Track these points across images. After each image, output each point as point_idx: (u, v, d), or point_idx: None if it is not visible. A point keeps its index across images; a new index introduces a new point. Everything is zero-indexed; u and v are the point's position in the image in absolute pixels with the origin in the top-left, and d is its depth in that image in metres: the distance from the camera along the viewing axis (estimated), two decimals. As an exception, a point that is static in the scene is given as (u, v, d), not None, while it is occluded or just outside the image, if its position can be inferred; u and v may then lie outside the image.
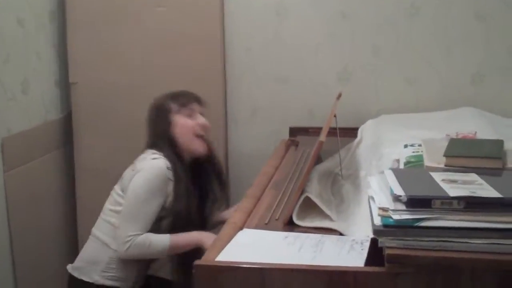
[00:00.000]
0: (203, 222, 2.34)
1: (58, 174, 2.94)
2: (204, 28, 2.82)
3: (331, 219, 1.71)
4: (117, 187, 2.27)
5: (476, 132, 2.02)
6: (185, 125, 2.29)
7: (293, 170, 2.16)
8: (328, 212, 1.72)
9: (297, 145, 2.57)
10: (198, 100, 2.36)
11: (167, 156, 2.23)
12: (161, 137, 2.29)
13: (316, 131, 2.47)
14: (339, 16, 2.78)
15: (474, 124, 2.18)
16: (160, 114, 2.32)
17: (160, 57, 2.85)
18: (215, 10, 2.82)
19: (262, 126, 2.91)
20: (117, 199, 2.25)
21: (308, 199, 1.74)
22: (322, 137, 1.70)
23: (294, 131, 2.76)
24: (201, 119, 2.33)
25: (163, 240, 2.17)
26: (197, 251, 2.13)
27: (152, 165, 2.19)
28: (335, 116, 2.03)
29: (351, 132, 2.45)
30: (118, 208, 2.22)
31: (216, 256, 1.50)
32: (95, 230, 2.30)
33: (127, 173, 2.25)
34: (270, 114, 2.90)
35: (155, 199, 2.17)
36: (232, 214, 1.86)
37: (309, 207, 1.74)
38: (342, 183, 2.00)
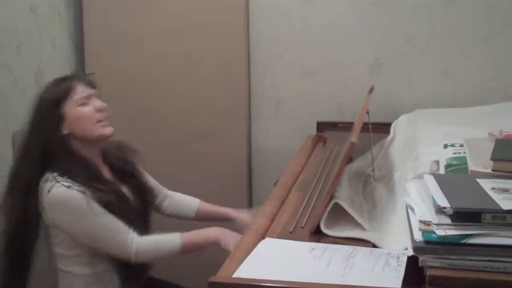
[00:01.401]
0: (144, 213, 2.16)
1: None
2: (228, 16, 2.72)
3: (363, 228, 1.55)
4: (45, 221, 1.97)
5: (522, 131, 1.84)
6: (83, 116, 1.96)
7: (321, 170, 2.03)
8: (360, 220, 1.56)
9: (325, 142, 2.46)
10: (89, 84, 2.03)
11: (61, 165, 1.92)
12: (51, 143, 1.94)
13: (346, 126, 2.42)
14: (370, 4, 2.64)
15: (518, 121, 1.99)
16: (46, 116, 1.96)
17: (180, 48, 2.76)
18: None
19: (288, 121, 2.81)
20: (53, 231, 2.00)
21: (337, 204, 1.58)
22: (354, 137, 1.53)
23: (322, 126, 2.64)
24: (98, 102, 2.00)
25: (173, 240, 2.02)
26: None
27: (54, 201, 1.89)
28: (367, 112, 1.87)
29: (383, 128, 2.31)
30: (58, 239, 1.99)
31: (235, 269, 1.35)
32: (56, 263, 2.07)
33: (41, 211, 1.94)
34: (296, 107, 2.79)
35: (92, 212, 1.90)
36: (254, 219, 1.72)
37: (339, 213, 1.59)
38: (375, 186, 1.85)
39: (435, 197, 1.27)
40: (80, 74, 2.02)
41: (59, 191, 1.88)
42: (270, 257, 1.41)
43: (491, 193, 1.29)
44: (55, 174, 1.90)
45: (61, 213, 1.91)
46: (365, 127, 1.92)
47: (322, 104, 2.74)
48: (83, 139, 1.98)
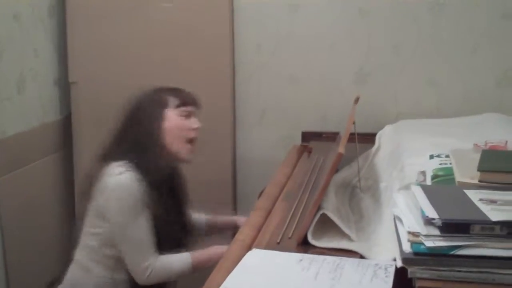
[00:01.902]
0: (185, 228, 2.20)
1: (56, 180, 2.82)
2: (212, 25, 2.71)
3: (350, 239, 1.55)
4: (91, 208, 2.05)
5: (507, 142, 1.85)
6: (180, 126, 2.07)
7: (307, 180, 2.03)
8: (347, 231, 1.56)
9: (310, 152, 2.45)
10: (197, 103, 2.15)
11: (139, 164, 1.99)
12: (144, 135, 2.04)
13: (330, 136, 2.45)
14: (356, 13, 2.63)
15: (503, 132, 2.01)
16: (152, 107, 2.07)
17: (165, 56, 2.75)
18: (224, 6, 2.70)
19: (273, 130, 2.79)
20: (92, 220, 2.04)
21: (325, 214, 1.57)
22: (341, 148, 1.53)
23: (307, 136, 2.64)
24: (197, 123, 2.11)
25: (184, 260, 2.02)
26: None
27: (119, 184, 1.94)
28: (353, 123, 1.87)
29: (368, 138, 2.30)
30: (96, 230, 2.02)
31: (222, 281, 1.34)
32: (76, 254, 2.10)
33: (97, 194, 2.02)
34: (281, 117, 2.78)
35: (141, 216, 1.96)
36: (240, 229, 1.72)
37: (326, 224, 1.58)
38: (361, 196, 1.85)
39: (423, 208, 1.27)
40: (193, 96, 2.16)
41: (128, 178, 1.94)
42: (257, 268, 1.41)
43: (479, 204, 1.29)
44: (132, 165, 1.97)
45: (117, 198, 1.94)
46: (351, 137, 1.91)
47: (307, 114, 2.72)
48: (168, 149, 2.05)
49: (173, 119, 2.06)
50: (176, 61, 2.73)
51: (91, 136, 2.80)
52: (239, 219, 2.28)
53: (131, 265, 1.98)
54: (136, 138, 2.03)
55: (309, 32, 2.68)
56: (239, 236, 1.66)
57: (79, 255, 2.08)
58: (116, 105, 2.72)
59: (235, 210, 2.82)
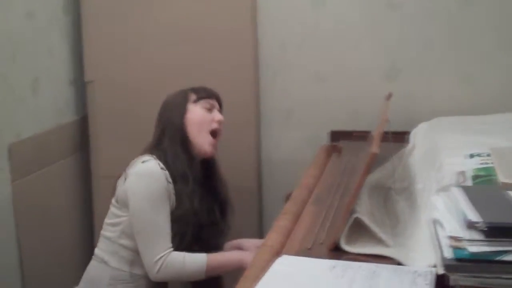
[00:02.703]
0: (215, 228, 2.23)
1: (73, 184, 2.84)
2: (235, 21, 2.70)
3: (385, 245, 1.53)
4: (113, 200, 2.15)
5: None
6: (202, 117, 2.19)
7: (338, 182, 2.02)
8: (382, 236, 1.54)
9: (340, 152, 2.44)
10: (218, 97, 2.29)
11: (166, 151, 2.13)
12: (170, 128, 2.17)
13: (361, 135, 2.40)
14: (385, 6, 2.61)
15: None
16: (176, 102, 2.22)
17: (186, 54, 2.74)
18: (246, 2, 2.69)
19: (299, 130, 2.79)
20: (113, 211, 2.14)
21: (358, 219, 1.56)
22: (375, 148, 1.51)
23: (336, 136, 2.63)
24: (219, 115, 2.24)
25: (199, 260, 2.03)
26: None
27: (143, 170, 2.05)
28: (387, 120, 1.84)
29: (401, 137, 2.28)
30: (115, 220, 2.11)
31: (251, 289, 1.33)
32: (96, 250, 2.19)
33: (120, 183, 2.12)
34: (308, 116, 2.77)
35: (163, 205, 2.03)
36: (268, 234, 1.71)
37: (360, 229, 1.57)
38: (396, 199, 1.83)
39: (465, 211, 1.25)
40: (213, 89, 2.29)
41: (153, 167, 2.04)
42: (288, 275, 1.39)
43: (525, 207, 1.27)
44: (155, 156, 2.09)
45: (141, 185, 2.03)
46: (384, 136, 1.88)
47: (335, 112, 2.71)
48: (191, 140, 2.16)
49: (196, 111, 2.18)
50: (197, 60, 2.73)
51: (108, 137, 2.82)
52: (244, 241, 2.27)
53: (144, 257, 2.01)
54: (162, 132, 2.17)
55: (336, 27, 2.67)
56: (267, 241, 1.64)
57: (98, 249, 2.16)
58: (134, 104, 2.78)
59: (260, 216, 2.82)
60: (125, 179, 2.08)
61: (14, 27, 2.41)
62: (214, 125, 2.19)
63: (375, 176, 1.97)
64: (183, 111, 2.18)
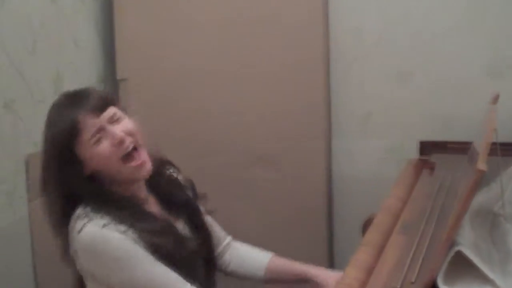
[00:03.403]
0: (208, 262, 2.10)
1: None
2: (300, 5, 2.71)
3: (494, 284, 1.51)
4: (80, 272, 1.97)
5: None
6: (102, 157, 1.86)
7: (431, 206, 2.00)
8: (490, 274, 1.52)
9: (432, 168, 2.42)
10: (93, 107, 1.87)
11: (97, 206, 1.87)
12: (77, 189, 1.89)
13: (459, 147, 2.40)
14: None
15: None
16: (55, 155, 1.88)
17: (239, 44, 2.77)
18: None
19: (380, 140, 2.80)
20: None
21: (459, 253, 1.55)
22: (481, 163, 1.47)
23: (427, 147, 2.60)
24: (114, 134, 1.87)
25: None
26: None
27: (87, 244, 1.84)
28: (494, 129, 1.82)
29: (510, 150, 2.22)
30: None
31: None
32: None
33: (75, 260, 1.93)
34: (390, 122, 2.79)
35: (140, 259, 1.86)
36: (346, 270, 1.70)
37: (461, 264, 1.55)
38: (507, 228, 1.80)
39: None
40: (88, 95, 1.88)
41: (93, 232, 1.82)
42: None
43: None
44: (87, 209, 1.88)
45: (96, 260, 1.85)
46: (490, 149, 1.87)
47: (425, 118, 2.72)
48: (113, 179, 1.91)
49: (88, 155, 1.86)
50: (252, 53, 2.75)
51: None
52: (318, 273, 2.20)
53: None
54: (67, 195, 1.90)
55: (427, 13, 2.68)
56: (345, 279, 1.64)
57: None
58: (175, 107, 2.81)
59: (330, 245, 2.82)
60: (76, 255, 1.89)
61: (34, 13, 2.45)
62: (120, 151, 1.86)
63: (478, 199, 1.94)
64: (75, 165, 1.87)
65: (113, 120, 1.86)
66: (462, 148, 2.31)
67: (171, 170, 2.13)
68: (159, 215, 1.98)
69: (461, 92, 2.66)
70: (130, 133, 1.86)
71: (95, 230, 1.82)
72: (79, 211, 1.87)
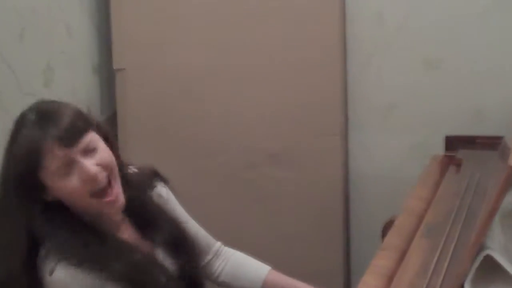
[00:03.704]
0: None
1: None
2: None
3: (527, 292, 1.51)
4: None
5: None
6: (69, 191, 1.77)
7: (458, 206, 1.99)
8: (523, 280, 1.51)
9: (459, 165, 2.40)
10: (63, 136, 1.73)
11: (68, 245, 1.78)
12: (38, 217, 1.79)
13: (488, 142, 2.41)
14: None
15: None
16: (15, 179, 1.78)
17: (246, 35, 2.77)
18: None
19: (402, 135, 2.80)
20: None
21: (489, 258, 1.56)
22: (513, 159, 1.48)
23: (453, 142, 2.58)
24: (88, 167, 1.75)
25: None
26: None
27: (59, 283, 1.75)
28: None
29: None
30: None
31: None
32: None
33: None
34: (413, 115, 2.78)
35: None
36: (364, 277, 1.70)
37: (490, 269, 1.56)
38: (540, 230, 1.78)
39: None
40: (62, 117, 1.74)
41: (64, 276, 1.75)
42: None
43: None
44: (54, 249, 1.77)
45: None
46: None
47: (451, 111, 2.72)
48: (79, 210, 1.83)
49: (54, 186, 1.76)
50: (262, 42, 2.76)
51: (144, 143, 2.86)
52: None
53: None
54: (29, 227, 1.79)
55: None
56: (363, 285, 1.64)
57: None
58: (177, 99, 2.81)
59: (347, 250, 2.82)
60: None
61: (22, -3, 2.46)
62: (90, 188, 1.76)
63: (510, 198, 1.93)
64: (36, 192, 1.78)
65: (87, 151, 1.75)
66: (492, 143, 2.33)
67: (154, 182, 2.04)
68: (134, 242, 1.91)
69: (493, 82, 2.66)
70: (105, 166, 1.77)
71: (67, 275, 1.75)
72: (46, 250, 1.78)
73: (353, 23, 2.76)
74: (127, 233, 1.91)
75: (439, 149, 2.59)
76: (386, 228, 2.08)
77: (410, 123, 2.78)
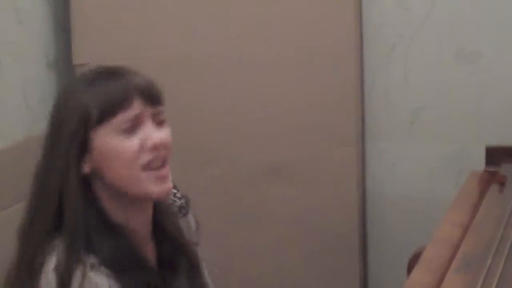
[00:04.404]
0: None
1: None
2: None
3: None
4: None
5: None
6: (123, 153, 1.86)
7: (501, 234, 1.98)
8: None
9: (503, 183, 2.39)
10: (143, 92, 1.90)
11: (88, 243, 1.85)
12: (66, 188, 1.87)
13: None
14: None
15: None
16: (66, 128, 1.87)
17: (240, 23, 2.79)
18: None
19: (431, 144, 2.80)
20: None
21: None
22: None
23: (496, 155, 2.57)
24: (154, 134, 1.90)
25: None
26: None
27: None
28: None
29: None
30: None
31: None
32: None
33: None
34: (446, 121, 2.78)
35: None
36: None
37: None
38: None
39: None
40: (144, 76, 1.92)
41: (78, 276, 1.80)
42: None
43: None
44: (65, 244, 1.82)
45: None
46: None
47: (493, 114, 2.72)
48: (113, 191, 1.90)
49: (103, 143, 1.86)
50: (260, 32, 2.77)
51: None
52: None
53: None
54: (53, 193, 1.88)
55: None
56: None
57: None
58: None
59: (364, 281, 2.83)
60: None
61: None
62: (146, 157, 1.87)
63: None
64: (79, 150, 1.86)
65: (158, 120, 1.89)
66: None
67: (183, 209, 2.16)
68: (155, 267, 1.98)
69: None
70: (166, 146, 1.88)
71: (82, 274, 1.79)
72: (57, 242, 1.84)
73: (372, 7, 2.78)
74: (150, 254, 1.98)
75: (479, 163, 2.57)
76: (413, 261, 2.07)
77: (442, 130, 2.78)
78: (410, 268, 2.10)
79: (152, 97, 1.89)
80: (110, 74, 1.90)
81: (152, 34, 2.83)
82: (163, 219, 2.02)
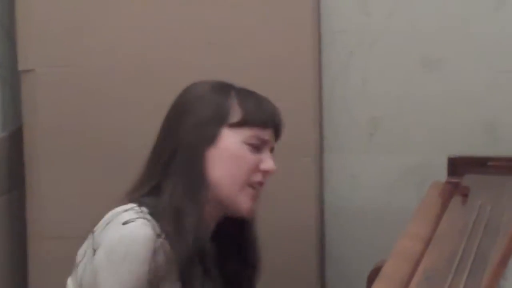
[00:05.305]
0: None
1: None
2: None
3: None
4: (70, 280, 2.09)
5: None
6: (242, 164, 2.12)
7: (463, 248, 1.98)
8: None
9: (465, 194, 2.40)
10: (278, 126, 2.21)
11: (163, 212, 2.05)
12: (179, 164, 2.12)
13: (504, 165, 2.45)
14: None
15: None
16: (202, 115, 2.13)
17: (194, 28, 2.79)
18: None
19: (392, 155, 2.81)
20: None
21: None
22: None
23: (459, 165, 2.58)
24: (270, 162, 2.15)
25: None
26: None
27: (122, 241, 1.98)
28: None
29: None
30: None
31: None
32: None
33: (84, 255, 2.06)
34: (407, 131, 2.80)
35: None
36: None
37: None
38: None
39: None
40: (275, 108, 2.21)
41: (140, 234, 1.97)
42: None
43: None
44: (148, 206, 2.04)
45: (114, 272, 1.96)
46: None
47: (456, 124, 2.73)
48: (214, 191, 2.10)
49: (233, 147, 2.11)
50: (213, 35, 2.77)
51: (58, 163, 2.86)
52: None
53: None
54: (172, 153, 2.14)
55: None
56: None
57: None
58: (104, 107, 2.80)
59: None
60: (94, 251, 2.02)
61: None
62: (258, 177, 2.14)
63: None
64: (209, 139, 2.11)
65: (272, 149, 2.18)
66: (507, 166, 2.33)
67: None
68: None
69: (510, 88, 2.69)
70: (271, 175, 2.15)
71: (142, 231, 1.98)
72: (139, 206, 2.05)
73: (330, 12, 2.78)
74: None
75: (441, 174, 2.59)
76: (373, 275, 2.07)
77: (403, 141, 2.79)
78: (369, 282, 2.10)
79: (279, 133, 2.21)
80: (259, 94, 2.21)
81: (99, 39, 2.82)
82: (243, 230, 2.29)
